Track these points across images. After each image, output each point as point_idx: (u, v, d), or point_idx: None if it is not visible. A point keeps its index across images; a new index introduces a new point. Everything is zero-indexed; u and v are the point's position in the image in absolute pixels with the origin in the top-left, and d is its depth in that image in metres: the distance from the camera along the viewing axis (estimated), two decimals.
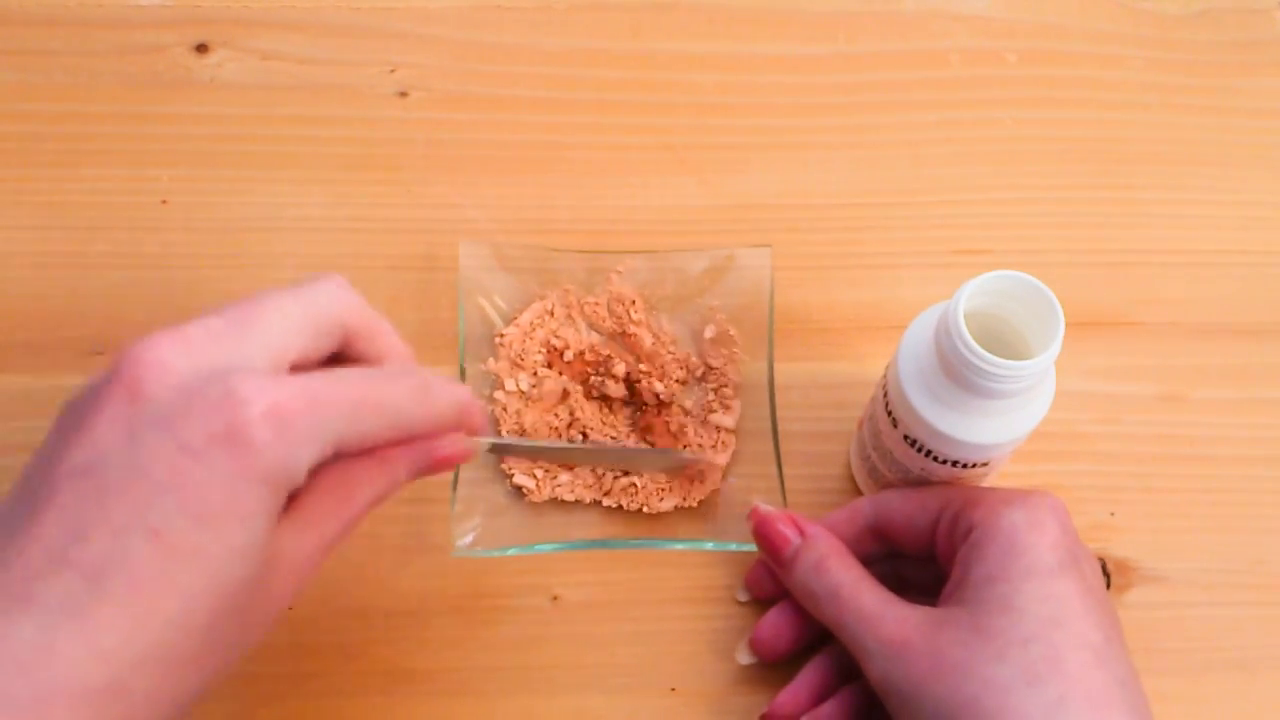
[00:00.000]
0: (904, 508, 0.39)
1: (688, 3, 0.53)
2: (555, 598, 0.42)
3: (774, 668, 0.41)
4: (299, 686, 0.41)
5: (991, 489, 0.37)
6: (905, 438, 0.37)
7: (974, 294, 0.34)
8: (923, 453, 0.37)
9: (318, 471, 0.30)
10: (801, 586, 0.38)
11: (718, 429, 0.44)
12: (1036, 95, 0.52)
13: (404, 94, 0.51)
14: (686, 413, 0.45)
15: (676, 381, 0.45)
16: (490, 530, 0.42)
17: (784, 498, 0.42)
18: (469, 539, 0.41)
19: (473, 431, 0.34)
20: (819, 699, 0.38)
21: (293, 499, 0.29)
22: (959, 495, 0.37)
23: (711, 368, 0.45)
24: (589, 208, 0.49)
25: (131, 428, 0.27)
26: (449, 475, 0.42)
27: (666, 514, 0.43)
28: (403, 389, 0.31)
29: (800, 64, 0.52)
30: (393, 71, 0.51)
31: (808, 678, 0.39)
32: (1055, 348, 0.33)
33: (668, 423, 0.44)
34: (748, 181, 0.49)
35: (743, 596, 0.42)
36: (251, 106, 0.50)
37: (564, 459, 0.43)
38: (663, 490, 0.43)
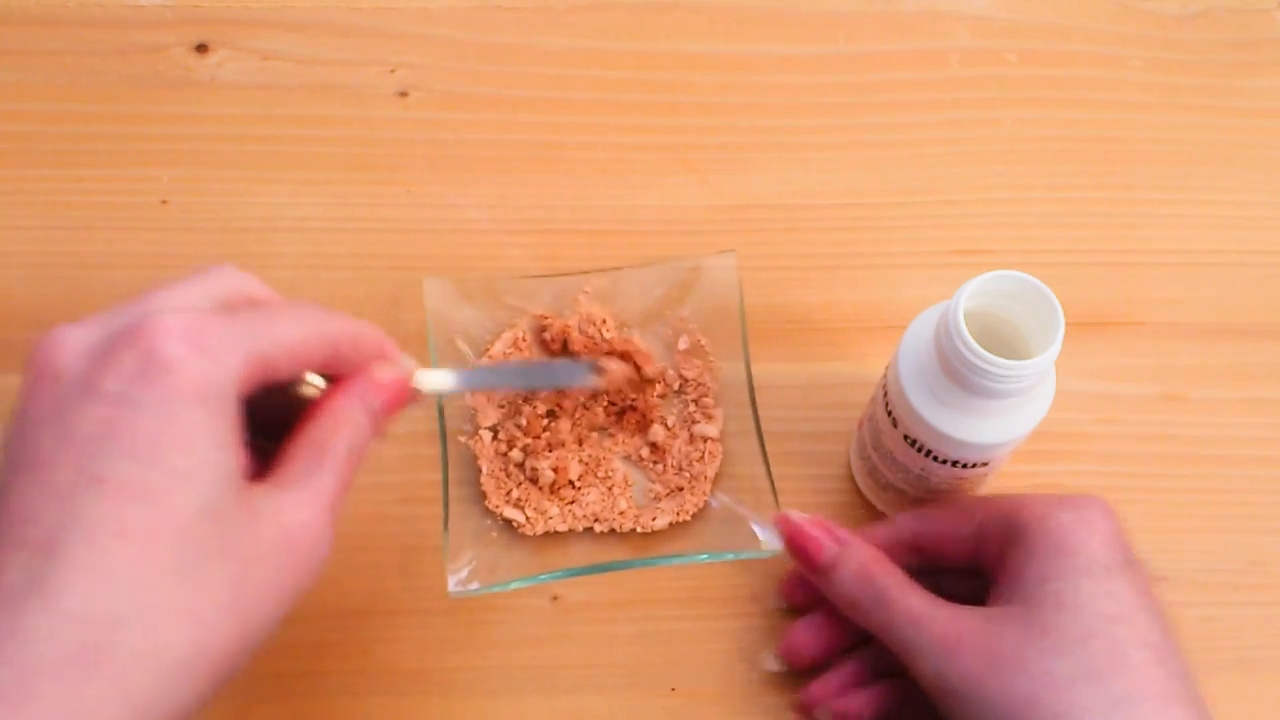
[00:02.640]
0: (946, 519, 0.38)
1: (688, 3, 0.53)
2: (555, 598, 0.42)
3: (775, 670, 0.41)
4: (299, 686, 0.41)
5: (1037, 494, 0.37)
6: (905, 438, 0.37)
7: (974, 294, 0.34)
8: (923, 452, 0.37)
9: (282, 447, 0.30)
10: (844, 594, 0.37)
11: (703, 439, 0.44)
12: (1037, 95, 0.52)
13: (404, 94, 0.51)
14: (668, 426, 0.44)
15: (657, 395, 0.45)
16: (485, 564, 0.41)
17: (775, 498, 0.42)
18: (464, 574, 0.40)
19: (390, 356, 0.33)
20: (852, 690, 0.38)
21: (267, 469, 0.30)
22: (1005, 502, 0.37)
23: (687, 379, 0.45)
24: (589, 208, 0.49)
25: (56, 404, 0.27)
26: (432, 509, 0.41)
27: (661, 531, 0.42)
28: (308, 306, 0.31)
29: (800, 64, 0.52)
30: (393, 71, 0.51)
31: (842, 672, 0.38)
32: (1055, 348, 0.33)
33: (652, 419, 0.44)
34: (748, 181, 0.49)
35: (772, 658, 0.41)
36: (251, 106, 0.50)
37: (496, 386, 0.41)
38: (656, 509, 0.43)
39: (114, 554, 0.26)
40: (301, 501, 0.29)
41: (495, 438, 0.44)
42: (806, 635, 0.40)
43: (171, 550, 0.26)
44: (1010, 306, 0.35)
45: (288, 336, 0.29)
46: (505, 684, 0.41)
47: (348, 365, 0.32)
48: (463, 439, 0.44)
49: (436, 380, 0.35)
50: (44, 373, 0.28)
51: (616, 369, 0.42)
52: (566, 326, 0.45)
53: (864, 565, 0.37)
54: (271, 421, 0.31)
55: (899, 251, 0.48)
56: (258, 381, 0.29)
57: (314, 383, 0.32)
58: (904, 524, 0.39)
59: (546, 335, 0.45)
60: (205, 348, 0.27)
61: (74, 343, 0.28)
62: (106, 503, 0.26)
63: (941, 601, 0.35)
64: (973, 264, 0.48)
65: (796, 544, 0.38)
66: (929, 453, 0.37)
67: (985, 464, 0.38)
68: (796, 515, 0.39)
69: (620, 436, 0.45)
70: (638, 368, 0.44)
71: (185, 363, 0.27)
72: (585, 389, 0.43)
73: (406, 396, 0.33)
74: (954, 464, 0.37)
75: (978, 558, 0.37)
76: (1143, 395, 0.46)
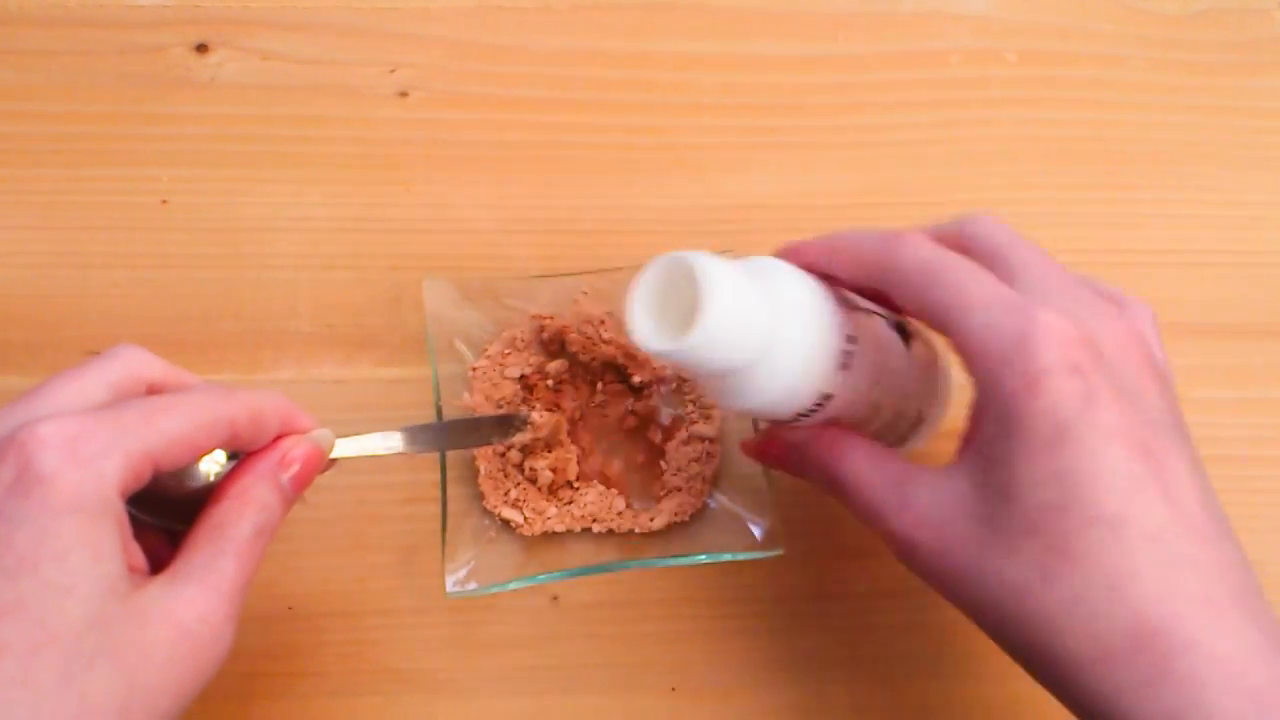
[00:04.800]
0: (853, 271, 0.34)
1: (688, 3, 0.53)
2: (555, 598, 0.42)
3: (777, 667, 0.41)
4: (298, 686, 0.41)
5: (979, 279, 0.31)
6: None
7: (643, 288, 0.31)
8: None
9: (188, 533, 0.30)
10: (819, 485, 0.35)
11: (701, 439, 0.44)
12: (1036, 95, 0.52)
13: (404, 94, 0.51)
14: (665, 427, 0.44)
15: (654, 394, 0.45)
16: (483, 565, 0.41)
17: (773, 497, 0.41)
18: (462, 574, 0.41)
19: (302, 432, 0.33)
20: None
21: (167, 561, 0.30)
22: (938, 294, 0.31)
23: (685, 379, 0.45)
24: (589, 208, 0.49)
25: None
26: (431, 508, 0.41)
27: (659, 532, 0.42)
28: (198, 389, 0.31)
29: (800, 64, 0.52)
30: (393, 72, 0.51)
31: None
32: (704, 319, 0.30)
33: (657, 424, 0.44)
34: (748, 181, 0.49)
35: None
36: (252, 106, 0.50)
37: (416, 447, 0.39)
38: (654, 510, 0.43)
39: None
40: (197, 595, 0.29)
41: None
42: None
43: (54, 663, 0.26)
44: (685, 288, 0.31)
45: (173, 428, 0.29)
46: (505, 684, 0.41)
47: (253, 443, 0.32)
48: None
49: (356, 447, 0.35)
50: None
51: (545, 420, 0.42)
52: (564, 326, 0.45)
53: (820, 463, 0.35)
54: (185, 504, 0.31)
55: None
56: (144, 478, 0.29)
57: (219, 461, 0.32)
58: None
59: (544, 335, 0.45)
60: (80, 456, 0.27)
61: None
62: None
63: (898, 480, 0.32)
64: None
65: (760, 455, 0.38)
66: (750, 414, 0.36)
67: (823, 404, 0.34)
68: (749, 441, 0.39)
69: (618, 437, 0.45)
70: (629, 375, 0.44)
71: (59, 474, 0.27)
72: (515, 443, 0.42)
73: (320, 467, 0.33)
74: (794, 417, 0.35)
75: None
76: None
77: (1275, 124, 0.52)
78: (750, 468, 0.42)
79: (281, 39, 0.51)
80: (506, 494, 0.43)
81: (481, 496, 0.42)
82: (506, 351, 0.45)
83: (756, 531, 0.41)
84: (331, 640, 0.41)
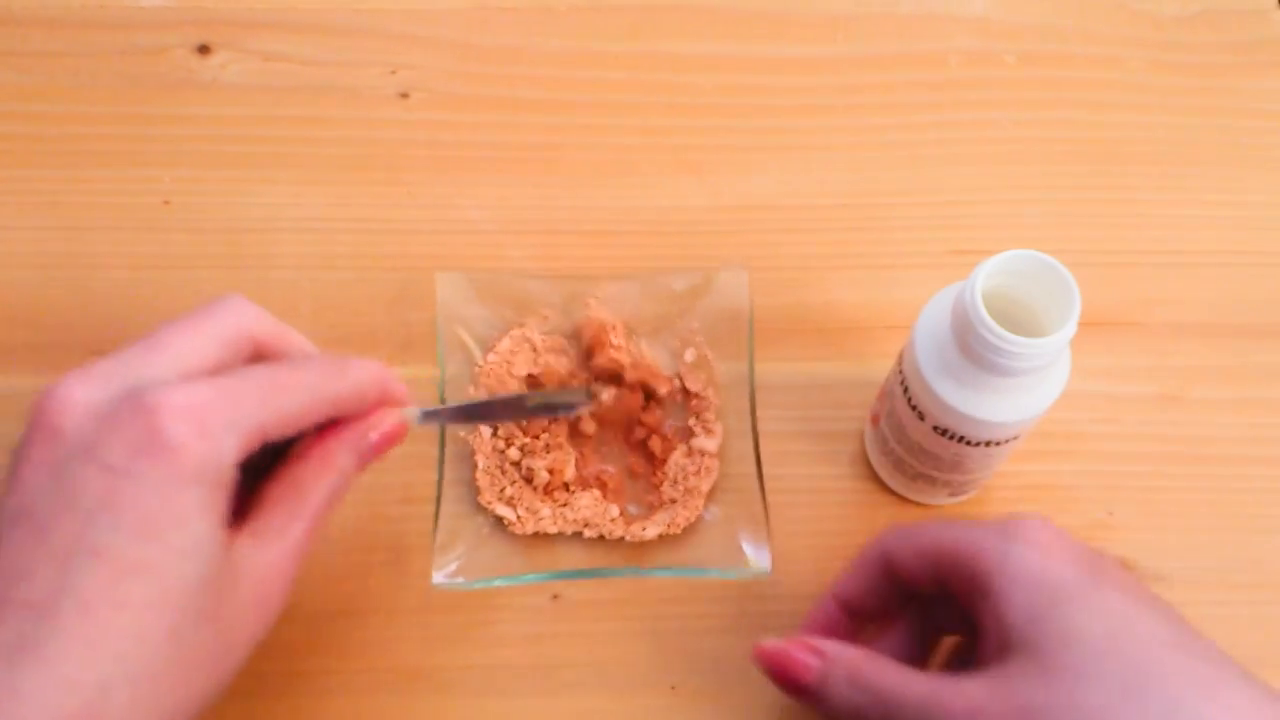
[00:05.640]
0: (905, 556, 0.36)
1: (688, 3, 0.53)
2: (555, 597, 0.42)
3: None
4: (299, 685, 0.41)
5: (975, 527, 0.35)
6: (935, 429, 0.38)
7: (990, 274, 0.34)
8: (955, 439, 0.37)
9: (266, 484, 0.31)
10: (843, 705, 0.34)
11: (701, 453, 0.44)
12: (1036, 96, 0.52)
13: (405, 95, 0.51)
14: (667, 438, 0.44)
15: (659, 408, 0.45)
16: (473, 560, 0.41)
17: (765, 513, 0.41)
18: (451, 568, 0.41)
19: (397, 403, 0.34)
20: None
21: (247, 514, 0.31)
22: (950, 545, 0.35)
23: (690, 392, 0.45)
24: (589, 208, 0.49)
25: (54, 465, 0.28)
26: (430, 508, 0.41)
27: (650, 542, 0.42)
28: (314, 366, 0.32)
29: (800, 65, 0.52)
30: (394, 73, 0.51)
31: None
32: (1073, 324, 0.33)
33: (661, 435, 0.44)
34: (748, 181, 0.49)
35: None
36: (253, 107, 0.50)
37: (490, 419, 0.41)
38: (647, 519, 0.43)
39: (110, 625, 0.27)
40: (275, 558, 0.31)
41: (494, 434, 0.44)
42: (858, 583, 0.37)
43: (165, 621, 0.28)
44: (1024, 286, 0.35)
45: (288, 408, 0.31)
46: (505, 683, 0.41)
47: (348, 415, 0.33)
48: (462, 433, 0.44)
49: (437, 418, 0.36)
50: (46, 428, 0.29)
51: (609, 395, 0.43)
52: (602, 333, 0.44)
53: (854, 670, 0.34)
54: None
55: (898, 251, 0.48)
56: (254, 449, 0.30)
57: None
58: (871, 557, 0.37)
59: (583, 344, 0.45)
60: (206, 429, 0.28)
61: (79, 401, 0.29)
62: (103, 575, 0.27)
63: (945, 677, 0.33)
64: (971, 264, 0.47)
65: (777, 670, 0.35)
66: (961, 438, 0.37)
67: (1016, 437, 0.38)
68: (769, 643, 0.35)
69: (618, 444, 0.45)
70: (651, 390, 0.44)
71: (187, 444, 0.28)
72: (581, 413, 0.43)
73: (400, 439, 0.34)
74: (987, 444, 0.37)
75: (945, 588, 0.35)
76: (1141, 395, 0.46)
77: (1275, 124, 0.52)
78: (747, 483, 0.42)
79: (283, 40, 0.51)
80: (502, 491, 0.43)
81: (477, 492, 0.43)
82: (514, 349, 0.45)
83: (748, 549, 0.41)
84: (331, 639, 0.41)
